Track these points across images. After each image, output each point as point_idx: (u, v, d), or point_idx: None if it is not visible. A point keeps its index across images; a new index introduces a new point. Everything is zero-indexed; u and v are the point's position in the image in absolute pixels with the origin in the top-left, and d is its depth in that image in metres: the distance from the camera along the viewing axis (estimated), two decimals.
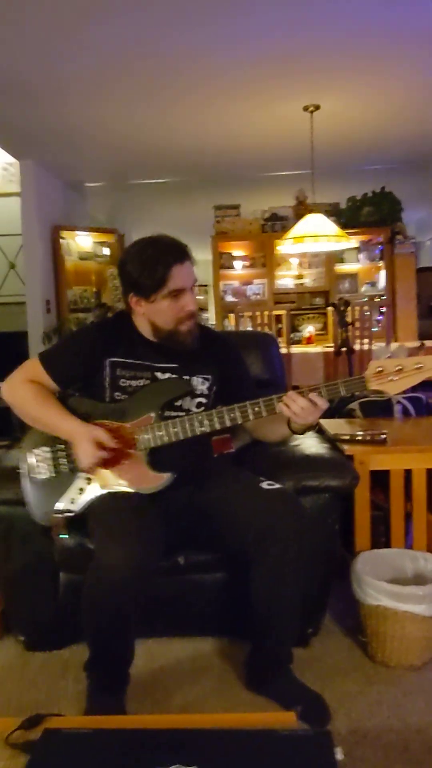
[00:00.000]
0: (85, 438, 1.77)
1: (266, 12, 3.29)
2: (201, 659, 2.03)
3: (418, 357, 1.60)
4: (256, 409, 1.75)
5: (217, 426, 1.78)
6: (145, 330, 1.91)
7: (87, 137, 5.23)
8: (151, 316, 1.86)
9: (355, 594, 1.96)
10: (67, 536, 1.86)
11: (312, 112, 4.70)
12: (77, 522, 1.85)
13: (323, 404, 1.69)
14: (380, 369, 1.63)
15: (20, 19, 3.22)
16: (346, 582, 2.07)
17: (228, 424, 1.78)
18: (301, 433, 1.86)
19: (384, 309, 6.06)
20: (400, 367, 1.61)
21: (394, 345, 1.65)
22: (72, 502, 1.85)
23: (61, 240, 5.97)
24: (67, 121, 4.81)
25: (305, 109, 4.68)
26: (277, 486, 1.81)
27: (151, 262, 1.78)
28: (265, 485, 1.80)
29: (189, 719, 1.30)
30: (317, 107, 4.66)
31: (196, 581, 2.01)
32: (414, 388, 1.89)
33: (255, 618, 1.80)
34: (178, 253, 1.81)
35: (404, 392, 2.38)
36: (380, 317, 6.07)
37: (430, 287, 6.69)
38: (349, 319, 4.18)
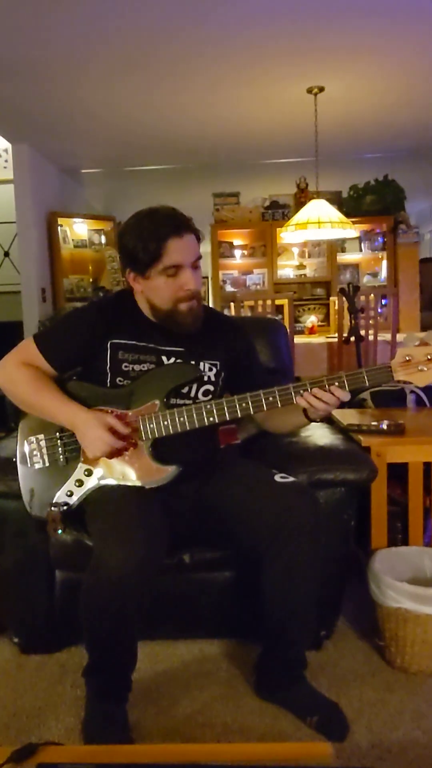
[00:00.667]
0: (94, 424, 1.64)
1: None
2: (208, 663, 1.90)
3: None
4: (270, 398, 1.62)
5: (228, 416, 1.65)
6: (147, 310, 1.77)
7: (83, 122, 5.08)
8: (148, 294, 1.72)
9: (373, 595, 1.83)
10: (63, 532, 1.74)
11: (316, 94, 4.56)
12: (75, 517, 1.73)
13: (345, 396, 1.58)
14: (408, 358, 1.51)
15: None
16: (358, 581, 1.95)
17: (239, 414, 1.64)
18: (319, 421, 1.74)
19: (386, 301, 5.94)
20: (430, 356, 1.48)
21: (421, 333, 1.52)
22: (70, 495, 1.72)
23: (58, 227, 5.82)
24: (62, 104, 4.66)
25: (309, 91, 4.54)
26: (291, 479, 1.68)
27: (146, 235, 1.64)
28: (278, 478, 1.67)
29: (206, 750, 1.16)
30: (321, 89, 4.52)
31: (202, 580, 1.88)
32: None
33: (267, 619, 1.67)
34: (177, 225, 1.65)
35: None
36: (380, 310, 5.94)
37: None
38: (359, 305, 4.04)
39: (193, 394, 1.78)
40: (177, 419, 1.66)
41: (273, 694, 1.70)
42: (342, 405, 1.89)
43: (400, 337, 4.49)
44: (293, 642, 1.70)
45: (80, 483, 1.72)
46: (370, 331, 4.25)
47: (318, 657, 1.88)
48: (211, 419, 1.65)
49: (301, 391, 1.59)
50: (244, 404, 1.63)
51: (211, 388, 1.81)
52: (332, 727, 1.56)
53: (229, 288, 6.45)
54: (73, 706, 1.72)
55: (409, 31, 3.72)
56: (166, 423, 1.67)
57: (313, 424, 2.00)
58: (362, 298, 4.25)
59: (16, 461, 1.78)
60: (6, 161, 5.88)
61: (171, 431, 1.67)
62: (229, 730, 1.61)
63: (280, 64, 4.14)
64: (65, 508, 1.72)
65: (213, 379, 1.81)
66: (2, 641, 2.03)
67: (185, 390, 1.76)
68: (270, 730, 1.59)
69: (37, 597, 1.92)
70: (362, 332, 4.15)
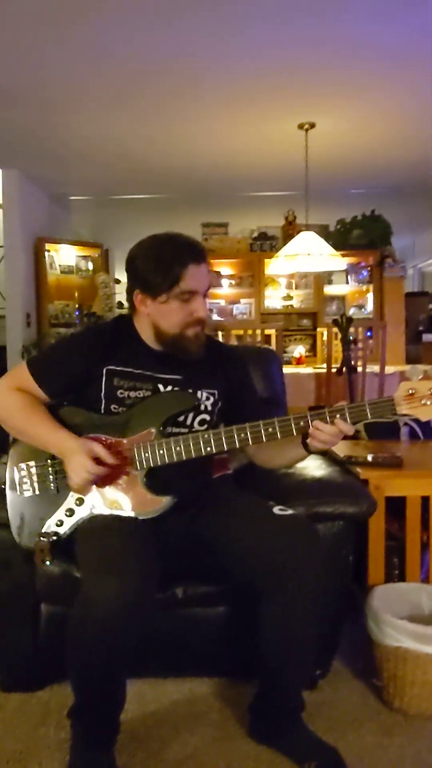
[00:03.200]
0: (78, 451, 1.58)
1: (262, 27, 3.18)
2: (199, 703, 1.82)
3: None
4: (270, 429, 1.57)
5: (226, 446, 1.60)
6: (148, 335, 1.73)
7: (74, 149, 5.10)
8: (156, 317, 1.68)
9: (371, 633, 1.78)
10: (51, 563, 1.67)
11: (307, 130, 4.62)
12: (64, 547, 1.66)
13: (350, 430, 1.54)
14: (412, 391, 1.48)
15: (1, 23, 3.06)
16: (353, 618, 1.89)
17: (237, 445, 1.60)
18: (318, 453, 1.70)
19: (369, 333, 5.96)
20: None
21: (426, 366, 1.49)
22: (60, 525, 1.66)
23: (45, 252, 5.80)
24: (52, 131, 4.67)
25: (300, 127, 4.59)
26: (291, 512, 1.63)
27: (166, 259, 1.62)
28: (277, 510, 1.62)
29: None
30: (313, 125, 4.57)
31: (194, 616, 1.81)
32: None
33: (264, 659, 1.60)
34: (196, 253, 1.65)
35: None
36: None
37: (418, 312, 6.61)
38: (352, 337, 4.05)
39: (189, 422, 1.73)
40: (173, 448, 1.61)
41: (268, 738, 1.63)
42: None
43: (389, 369, 4.50)
44: (291, 683, 1.63)
45: (71, 512, 1.66)
46: (359, 363, 4.25)
47: (313, 697, 1.81)
48: (209, 449, 1.60)
49: (302, 423, 1.55)
50: (242, 435, 1.58)
51: (207, 417, 1.76)
52: None
53: (215, 317, 6.45)
54: (57, 750, 1.64)
55: (400, 72, 3.78)
56: (161, 452, 1.62)
57: None
58: (352, 330, 4.25)
59: (4, 488, 1.71)
60: None
61: (167, 461, 1.62)
62: None
63: (272, 99, 4.19)
64: (55, 538, 1.65)
65: (210, 408, 1.77)
66: None
67: (181, 418, 1.72)
68: None
69: (21, 631, 1.84)
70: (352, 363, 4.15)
